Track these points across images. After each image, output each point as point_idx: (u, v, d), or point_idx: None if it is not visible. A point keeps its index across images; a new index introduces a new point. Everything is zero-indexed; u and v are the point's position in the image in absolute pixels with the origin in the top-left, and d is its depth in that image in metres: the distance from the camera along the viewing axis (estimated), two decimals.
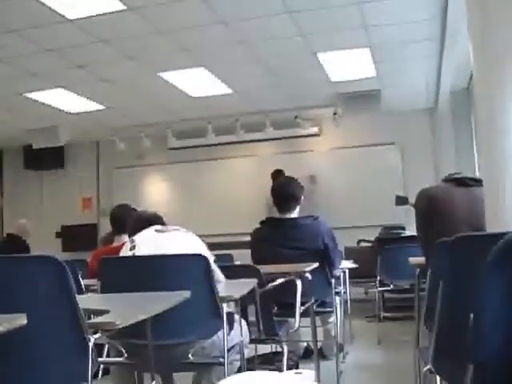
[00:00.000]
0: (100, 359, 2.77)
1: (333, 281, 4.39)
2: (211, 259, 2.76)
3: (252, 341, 3.20)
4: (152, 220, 3.17)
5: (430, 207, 3.45)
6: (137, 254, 2.82)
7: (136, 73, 7.29)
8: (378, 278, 6.03)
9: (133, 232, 3.06)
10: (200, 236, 3.00)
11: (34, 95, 7.93)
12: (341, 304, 5.16)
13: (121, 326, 1.65)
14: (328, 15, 5.79)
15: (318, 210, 8.80)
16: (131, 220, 3.39)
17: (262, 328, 3.22)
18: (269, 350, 4.68)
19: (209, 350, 2.71)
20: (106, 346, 3.17)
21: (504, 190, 3.00)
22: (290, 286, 3.36)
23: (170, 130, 10.05)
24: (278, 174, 8.76)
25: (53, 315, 1.81)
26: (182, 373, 3.21)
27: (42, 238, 10.32)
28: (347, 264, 5.38)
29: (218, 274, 2.87)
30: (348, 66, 7.50)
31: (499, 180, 3.05)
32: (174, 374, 3.20)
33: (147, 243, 2.87)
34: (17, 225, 8.40)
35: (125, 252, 2.91)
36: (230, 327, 2.79)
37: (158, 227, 3.00)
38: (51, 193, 11.48)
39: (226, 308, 2.61)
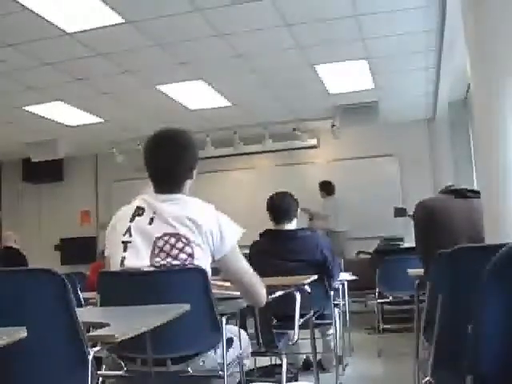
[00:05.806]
0: (99, 372, 2.76)
1: (332, 293, 4.39)
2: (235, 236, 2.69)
3: (251, 353, 3.19)
4: None
5: (428, 219, 3.45)
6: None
7: (134, 86, 7.32)
8: (377, 289, 6.02)
9: None
10: None
11: (32, 108, 7.95)
12: (340, 316, 5.15)
13: (120, 339, 1.64)
14: (326, 28, 5.82)
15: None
16: None
17: (261, 340, 3.21)
18: (268, 363, 4.67)
19: (208, 362, 2.70)
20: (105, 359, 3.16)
21: (502, 201, 3.01)
22: (289, 299, 3.35)
23: None
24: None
25: (52, 328, 1.81)
26: None
27: (41, 250, 10.32)
28: (346, 276, 5.37)
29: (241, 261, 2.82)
30: (346, 78, 7.53)
31: (497, 191, 3.06)
32: None
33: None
34: (7, 235, 8.39)
35: (126, 214, 2.72)
36: (230, 344, 2.76)
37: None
38: (50, 206, 11.47)
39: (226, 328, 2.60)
